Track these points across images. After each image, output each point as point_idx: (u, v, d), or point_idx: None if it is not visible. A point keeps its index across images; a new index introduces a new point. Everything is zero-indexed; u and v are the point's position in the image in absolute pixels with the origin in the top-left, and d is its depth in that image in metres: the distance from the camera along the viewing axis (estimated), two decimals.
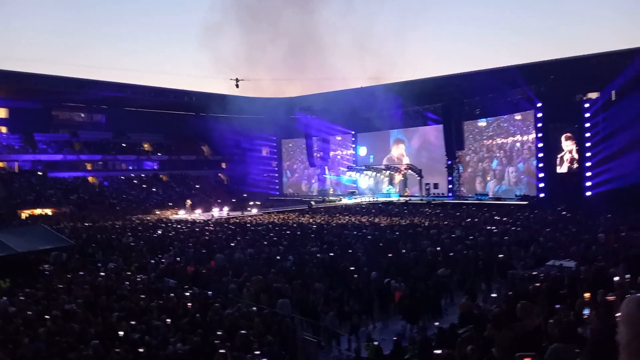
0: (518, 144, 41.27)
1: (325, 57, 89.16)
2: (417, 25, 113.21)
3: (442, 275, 13.87)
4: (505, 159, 42.12)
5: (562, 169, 37.58)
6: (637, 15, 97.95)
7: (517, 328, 4.93)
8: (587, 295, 6.99)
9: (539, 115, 38.13)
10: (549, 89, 37.45)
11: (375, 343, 9.03)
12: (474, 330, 6.74)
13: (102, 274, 15.78)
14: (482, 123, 44.12)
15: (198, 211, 40.18)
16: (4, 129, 50.17)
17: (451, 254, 16.49)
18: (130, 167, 56.88)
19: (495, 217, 27.05)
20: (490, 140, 43.35)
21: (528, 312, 5.04)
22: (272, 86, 78.73)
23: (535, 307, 6.38)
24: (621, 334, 1.57)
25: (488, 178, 43.25)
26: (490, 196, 41.37)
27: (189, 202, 42.19)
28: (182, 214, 39.09)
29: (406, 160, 49.69)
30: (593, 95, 36.62)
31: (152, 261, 18.07)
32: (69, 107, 55.23)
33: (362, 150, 54.80)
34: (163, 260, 17.84)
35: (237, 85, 42.90)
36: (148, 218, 36.02)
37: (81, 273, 16.30)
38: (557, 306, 7.44)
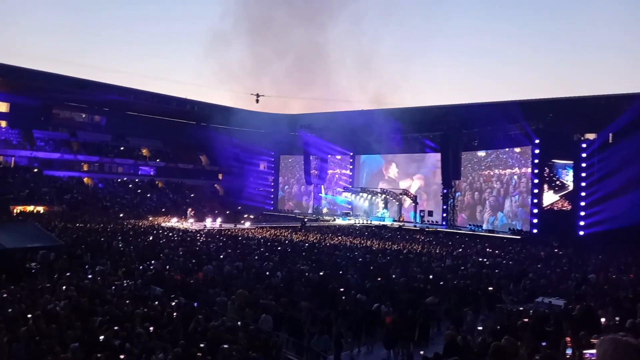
0: (515, 177, 41.48)
1: (330, 76, 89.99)
2: (422, 52, 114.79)
3: (430, 304, 13.79)
4: (503, 191, 42.27)
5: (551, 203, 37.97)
6: (638, 60, 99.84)
7: None
8: (567, 338, 6.96)
9: (536, 151, 38.47)
10: (547, 127, 37.87)
11: None
12: None
13: (89, 276, 15.60)
14: (481, 153, 44.41)
15: (191, 220, 40.02)
16: (3, 123, 50.13)
17: (441, 282, 16.44)
18: (127, 171, 56.76)
19: (488, 249, 27.06)
20: (488, 171, 43.56)
21: (513, 348, 5.02)
22: (275, 101, 79.30)
23: (519, 343, 6.36)
24: None
25: (485, 209, 43.22)
26: (486, 227, 41.42)
27: (191, 210, 42.25)
28: (179, 222, 38.95)
29: (402, 185, 49.83)
30: (591, 136, 37.06)
31: (140, 267, 17.90)
32: (70, 107, 55.34)
33: (359, 172, 54.98)
34: (152, 267, 17.68)
35: (257, 101, 42.89)
36: (140, 223, 35.81)
37: (68, 274, 16.10)
38: (543, 343, 7.41)
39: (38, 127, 51.39)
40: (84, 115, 57.55)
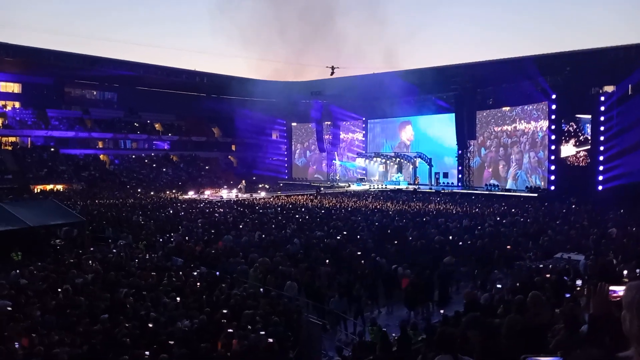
0: (532, 134, 40.64)
1: (341, 39, 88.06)
2: (434, 8, 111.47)
3: (448, 264, 13.88)
4: (524, 146, 41.45)
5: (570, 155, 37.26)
6: None
7: (530, 318, 4.92)
8: (579, 289, 6.93)
9: (553, 107, 37.61)
10: (564, 81, 36.88)
11: (383, 329, 9.08)
12: (479, 317, 6.74)
13: (114, 250, 15.99)
14: (505, 108, 43.26)
15: (208, 192, 40.43)
16: (17, 104, 50.54)
17: (460, 243, 16.48)
18: (141, 147, 57.17)
19: (504, 208, 26.91)
20: (514, 125, 42.55)
21: (538, 303, 5.02)
22: (285, 69, 78.31)
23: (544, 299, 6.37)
24: (626, 322, 1.55)
25: (511, 163, 42.47)
26: (511, 184, 40.95)
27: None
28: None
29: (415, 144, 49.31)
30: (609, 88, 36.02)
31: (161, 240, 18.26)
32: (81, 85, 55.44)
33: (372, 137, 54.57)
34: (172, 240, 18.02)
35: (332, 73, 41.53)
36: (158, 197, 36.31)
37: (92, 249, 16.52)
38: (567, 295, 7.41)
39: (51, 106, 51.72)
40: (95, 93, 57.67)
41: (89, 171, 47.55)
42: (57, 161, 46.68)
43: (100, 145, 54.45)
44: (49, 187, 41.72)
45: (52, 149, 48.28)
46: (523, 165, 41.25)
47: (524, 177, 40.99)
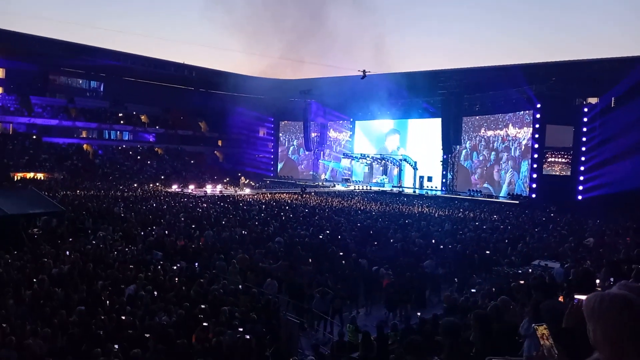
0: (516, 142, 41.15)
1: (329, 41, 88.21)
2: (423, 16, 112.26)
3: (427, 267, 14.01)
4: (506, 154, 41.88)
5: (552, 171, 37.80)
6: None
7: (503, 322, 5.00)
8: (561, 298, 7.06)
9: (537, 116, 38.17)
10: (549, 90, 37.44)
11: (364, 330, 9.14)
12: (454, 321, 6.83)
13: (93, 242, 15.79)
14: (480, 118, 43.85)
15: (191, 187, 40.14)
16: (0, 90, 49.59)
17: (441, 247, 16.64)
18: (126, 138, 56.53)
19: (486, 214, 27.24)
20: (488, 132, 43.04)
21: (507, 308, 5.12)
22: (275, 66, 78.12)
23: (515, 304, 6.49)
24: (590, 332, 1.61)
25: (502, 168, 42.72)
26: (505, 189, 41.33)
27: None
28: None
29: (402, 151, 49.71)
30: (593, 100, 36.67)
31: (142, 233, 18.09)
32: (67, 73, 54.59)
33: (359, 138, 54.73)
34: (153, 233, 17.87)
35: (363, 77, 41.23)
36: (141, 190, 35.94)
37: (70, 240, 16.30)
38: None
39: (35, 93, 50.85)
40: (81, 81, 56.85)
41: (71, 161, 46.87)
42: (39, 149, 45.92)
43: (84, 134, 53.71)
44: (29, 175, 41.04)
45: (35, 137, 47.48)
46: (508, 172, 41.74)
47: (510, 183, 41.46)
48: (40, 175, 41.49)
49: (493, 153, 43.20)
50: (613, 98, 35.07)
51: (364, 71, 40.63)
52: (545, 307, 3.98)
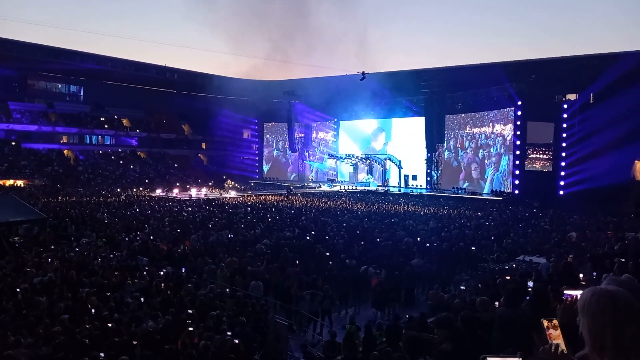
0: (500, 139, 41.56)
1: (313, 41, 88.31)
2: (404, 15, 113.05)
3: (415, 266, 14.08)
4: (488, 152, 42.25)
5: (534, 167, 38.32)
6: (618, 21, 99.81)
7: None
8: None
9: (519, 113, 38.68)
10: (529, 88, 37.98)
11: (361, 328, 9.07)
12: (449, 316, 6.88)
13: (77, 249, 15.55)
14: (465, 115, 44.15)
15: (175, 191, 39.80)
16: None
17: (427, 245, 16.75)
18: (108, 142, 55.81)
19: (470, 212, 27.52)
20: (474, 129, 43.37)
21: (486, 308, 5.19)
22: (260, 68, 77.93)
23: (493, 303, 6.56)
24: (580, 325, 1.65)
25: (485, 165, 43.06)
26: (488, 186, 41.64)
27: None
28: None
29: (386, 150, 49.95)
30: (572, 96, 37.30)
31: (126, 238, 17.88)
32: (46, 77, 53.71)
33: (343, 138, 54.84)
34: (138, 238, 17.67)
35: (362, 78, 40.89)
36: (125, 195, 35.51)
37: (53, 247, 16.03)
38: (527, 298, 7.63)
39: (13, 98, 49.93)
40: (60, 86, 55.97)
41: (52, 167, 46.09)
42: (18, 156, 45.08)
43: (64, 140, 52.87)
44: (8, 182, 40.24)
45: (14, 143, 46.60)
46: (490, 168, 42.16)
47: (492, 180, 41.86)
48: (20, 182, 40.73)
49: (480, 150, 43.57)
50: (592, 94, 35.72)
51: (363, 72, 40.78)
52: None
